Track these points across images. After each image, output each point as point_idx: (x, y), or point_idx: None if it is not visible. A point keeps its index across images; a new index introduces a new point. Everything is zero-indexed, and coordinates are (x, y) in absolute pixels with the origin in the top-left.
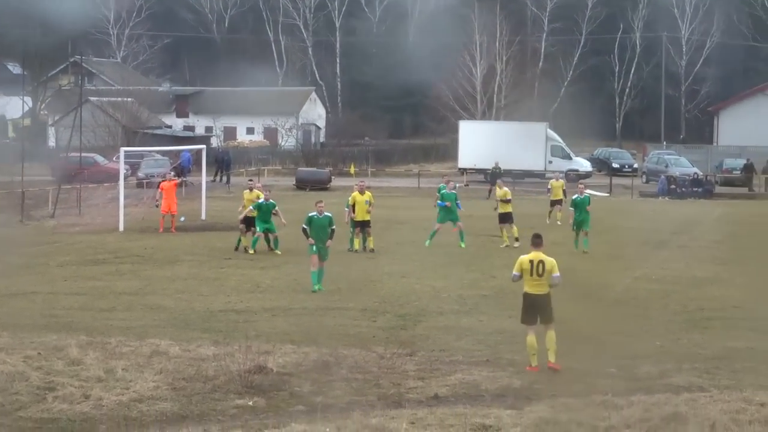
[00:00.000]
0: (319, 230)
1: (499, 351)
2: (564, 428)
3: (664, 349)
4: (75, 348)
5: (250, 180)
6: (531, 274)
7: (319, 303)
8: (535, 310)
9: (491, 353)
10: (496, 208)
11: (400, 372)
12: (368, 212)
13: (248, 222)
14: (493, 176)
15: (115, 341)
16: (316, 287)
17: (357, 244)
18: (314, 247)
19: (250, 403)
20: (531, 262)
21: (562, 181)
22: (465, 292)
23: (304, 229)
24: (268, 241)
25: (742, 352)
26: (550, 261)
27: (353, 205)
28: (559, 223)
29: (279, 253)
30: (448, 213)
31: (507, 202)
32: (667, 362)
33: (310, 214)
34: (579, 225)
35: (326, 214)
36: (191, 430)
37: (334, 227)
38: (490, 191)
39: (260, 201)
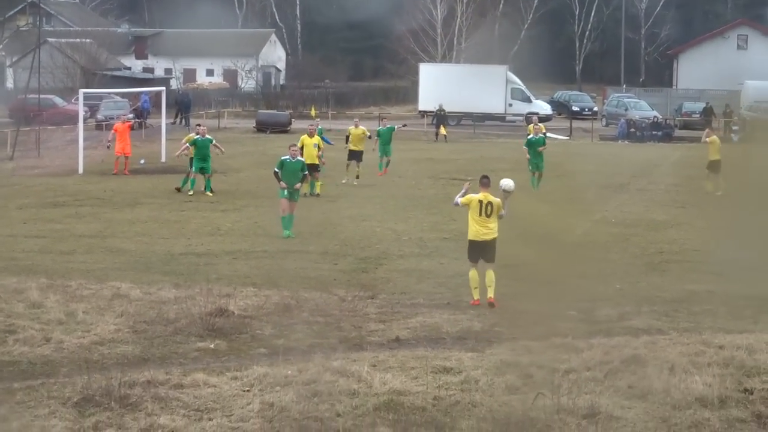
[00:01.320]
0: (291, 175)
1: (459, 294)
2: (524, 371)
3: (624, 292)
4: (35, 291)
5: (198, 125)
6: (480, 214)
7: (280, 246)
8: (479, 252)
9: (452, 296)
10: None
11: (361, 315)
12: (318, 156)
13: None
14: (438, 119)
15: (75, 284)
16: (287, 233)
17: (305, 188)
18: (285, 191)
19: (212, 346)
20: (480, 202)
21: (542, 125)
22: (426, 235)
23: (276, 173)
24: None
25: (701, 295)
26: (497, 201)
27: (302, 148)
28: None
29: (210, 194)
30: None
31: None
32: (626, 305)
33: (282, 158)
34: (536, 166)
35: (299, 158)
36: (153, 373)
37: (306, 172)
38: (436, 134)
39: (196, 137)
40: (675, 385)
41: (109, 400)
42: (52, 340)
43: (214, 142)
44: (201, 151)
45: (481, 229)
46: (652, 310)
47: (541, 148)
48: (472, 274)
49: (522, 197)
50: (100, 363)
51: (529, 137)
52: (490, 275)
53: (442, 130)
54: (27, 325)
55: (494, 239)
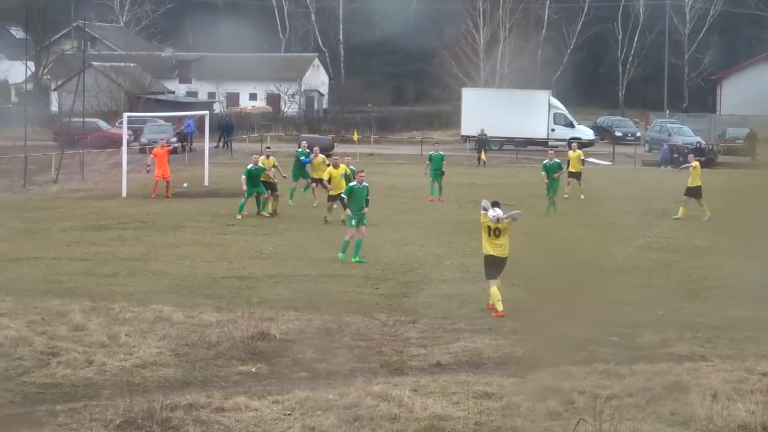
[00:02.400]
0: (360, 201)
1: (501, 319)
2: (566, 396)
3: (666, 318)
4: (78, 313)
5: (267, 147)
6: (489, 235)
7: (321, 270)
8: (497, 268)
9: (494, 321)
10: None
11: (402, 339)
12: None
13: (272, 186)
14: (479, 143)
15: (118, 307)
16: (355, 259)
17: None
18: (353, 220)
19: (253, 369)
20: (489, 227)
21: (579, 152)
22: (468, 260)
23: (342, 199)
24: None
25: (744, 321)
26: (504, 224)
27: (329, 179)
28: (582, 197)
29: (266, 214)
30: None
31: None
32: (668, 331)
33: (351, 185)
34: (548, 190)
35: (364, 184)
36: (194, 396)
37: (368, 197)
38: (478, 159)
39: (249, 167)
40: (718, 413)
41: (151, 423)
42: (94, 362)
43: (266, 169)
44: (253, 179)
45: (494, 245)
46: (695, 336)
47: (556, 174)
48: (494, 290)
49: (564, 222)
50: (142, 386)
51: (544, 162)
52: (498, 287)
53: (482, 156)
54: (70, 347)
55: (506, 258)
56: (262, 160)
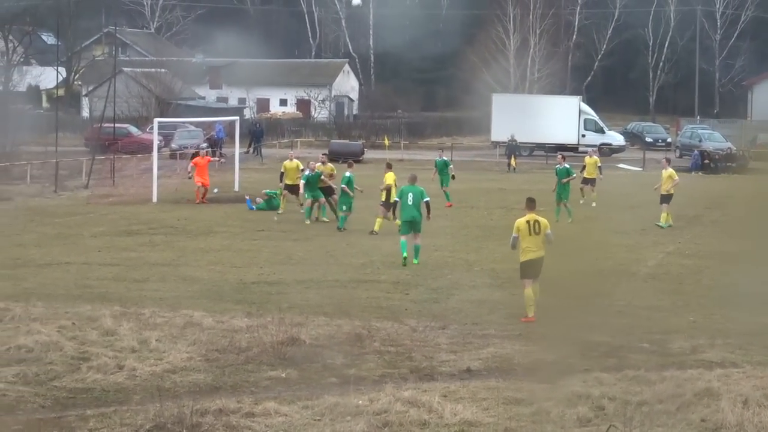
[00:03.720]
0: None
1: (531, 325)
2: (596, 403)
3: (697, 324)
4: (109, 318)
5: (324, 154)
6: (529, 233)
7: (351, 275)
8: (531, 270)
9: (524, 327)
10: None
11: (432, 345)
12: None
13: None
14: (509, 149)
15: (148, 312)
16: (415, 261)
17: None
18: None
19: (283, 374)
20: (528, 222)
21: (596, 158)
22: (498, 265)
23: (395, 203)
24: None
25: None
26: (544, 221)
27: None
28: (594, 204)
29: (326, 220)
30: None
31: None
32: (700, 337)
33: (402, 188)
34: (558, 196)
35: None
36: (224, 401)
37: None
38: (508, 164)
39: (306, 173)
40: (749, 419)
41: (181, 428)
42: (125, 367)
43: (323, 175)
44: (311, 185)
45: (531, 247)
46: (726, 342)
47: (564, 180)
48: (528, 292)
49: (594, 228)
50: (172, 391)
51: (555, 166)
52: (536, 289)
53: (512, 161)
54: (100, 352)
55: (542, 258)
56: (318, 167)
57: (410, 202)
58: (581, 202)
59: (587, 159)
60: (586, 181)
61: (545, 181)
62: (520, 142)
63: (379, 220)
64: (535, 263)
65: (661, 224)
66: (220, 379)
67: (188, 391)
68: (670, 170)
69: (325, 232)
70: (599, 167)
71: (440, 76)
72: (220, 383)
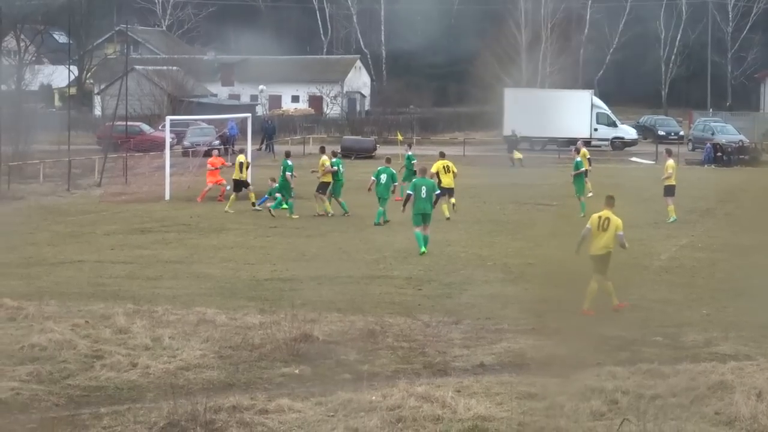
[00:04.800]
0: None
1: (544, 319)
2: (610, 396)
3: (711, 318)
4: (122, 316)
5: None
6: (598, 228)
7: (364, 271)
8: (597, 265)
9: (537, 322)
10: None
11: (445, 340)
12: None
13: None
14: (509, 144)
15: (161, 310)
16: (424, 249)
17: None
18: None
19: (297, 371)
20: (599, 217)
21: (585, 150)
22: (510, 260)
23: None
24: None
25: None
26: (615, 219)
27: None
28: (590, 194)
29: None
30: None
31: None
32: (713, 330)
33: (415, 180)
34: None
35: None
36: (238, 398)
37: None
38: (511, 159)
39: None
40: (762, 412)
41: (195, 425)
42: (138, 365)
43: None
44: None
45: (597, 243)
46: (740, 335)
47: (572, 173)
48: (593, 286)
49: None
50: (185, 388)
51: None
52: (607, 287)
53: (516, 155)
54: (114, 350)
55: (608, 253)
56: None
57: (423, 195)
58: (589, 194)
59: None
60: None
61: (557, 175)
62: (533, 137)
63: (445, 206)
64: (597, 258)
65: (672, 219)
66: (234, 376)
67: (202, 389)
68: (671, 161)
69: (338, 229)
70: (588, 159)
71: (452, 71)
72: (234, 380)
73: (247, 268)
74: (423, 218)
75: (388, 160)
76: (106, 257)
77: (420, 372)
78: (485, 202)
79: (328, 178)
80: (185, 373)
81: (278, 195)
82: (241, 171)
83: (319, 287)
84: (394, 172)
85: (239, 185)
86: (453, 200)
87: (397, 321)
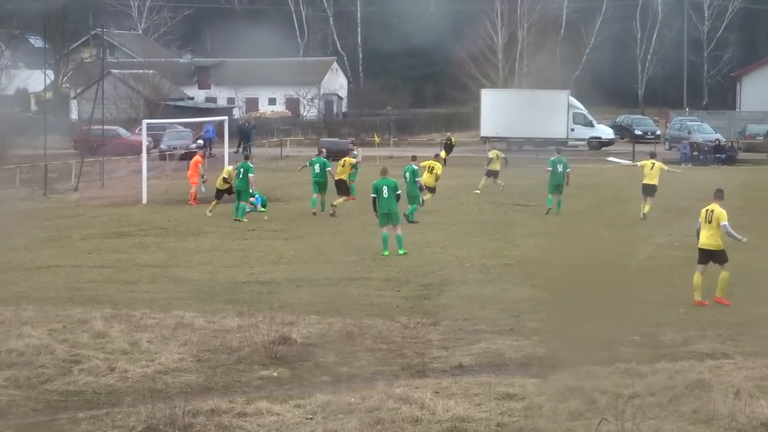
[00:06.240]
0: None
1: (522, 320)
2: (588, 396)
3: (688, 316)
4: (100, 321)
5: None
6: (704, 221)
7: (342, 273)
8: (707, 257)
9: (515, 322)
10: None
11: (424, 341)
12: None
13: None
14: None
15: (139, 314)
16: (402, 251)
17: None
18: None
19: (275, 374)
20: (706, 210)
21: (497, 151)
22: (488, 261)
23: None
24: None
25: (766, 318)
26: (719, 211)
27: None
28: (478, 192)
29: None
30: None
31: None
32: (690, 329)
33: (376, 182)
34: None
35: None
36: (216, 402)
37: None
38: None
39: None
40: (740, 410)
41: (174, 429)
42: (116, 369)
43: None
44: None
45: (704, 234)
46: (717, 334)
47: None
48: (696, 277)
49: (585, 222)
50: (164, 392)
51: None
52: (724, 276)
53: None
54: (91, 354)
55: (711, 246)
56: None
57: (386, 195)
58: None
59: (491, 153)
60: (490, 173)
61: (534, 176)
62: (510, 137)
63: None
64: (703, 251)
65: (645, 213)
66: (212, 379)
67: (180, 392)
68: (647, 161)
69: (315, 231)
70: (505, 158)
71: (429, 72)
72: (212, 383)
73: (225, 271)
74: (387, 218)
75: (385, 171)
76: (83, 261)
77: (398, 373)
78: (462, 203)
79: (343, 175)
80: (163, 377)
81: (252, 199)
82: (225, 182)
83: (298, 290)
84: (395, 182)
85: (221, 194)
86: (428, 196)
87: (375, 323)
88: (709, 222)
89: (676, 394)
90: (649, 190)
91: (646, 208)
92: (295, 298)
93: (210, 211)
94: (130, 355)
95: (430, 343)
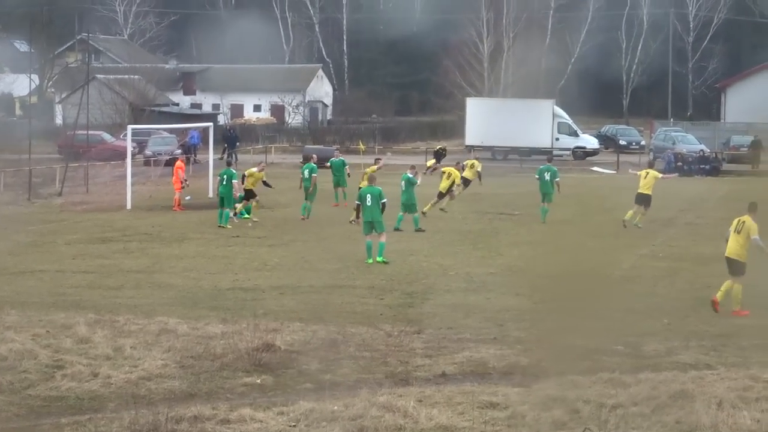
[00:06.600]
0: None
1: (506, 329)
2: (571, 406)
3: (672, 327)
4: (83, 326)
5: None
6: (734, 231)
7: (326, 281)
8: (728, 266)
9: (499, 331)
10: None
11: (407, 350)
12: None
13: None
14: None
15: (123, 319)
16: (380, 258)
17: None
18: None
19: (258, 381)
20: (738, 220)
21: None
22: (472, 269)
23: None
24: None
25: (749, 330)
26: (751, 223)
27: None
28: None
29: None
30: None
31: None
32: (674, 339)
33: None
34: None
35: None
36: (199, 408)
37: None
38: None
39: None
40: (723, 421)
41: None
42: (99, 375)
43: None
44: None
45: (731, 243)
46: (700, 344)
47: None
48: (736, 288)
49: (569, 231)
50: (147, 398)
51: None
52: (735, 289)
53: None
54: (75, 360)
55: (736, 258)
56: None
57: (369, 203)
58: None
59: (469, 161)
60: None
61: (519, 184)
62: (495, 146)
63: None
64: (729, 260)
65: (627, 219)
66: (195, 385)
67: (163, 398)
68: (641, 171)
69: (300, 238)
70: (479, 172)
71: (414, 80)
72: (195, 390)
73: (208, 277)
74: (371, 226)
75: (372, 179)
76: (67, 267)
77: (382, 381)
78: (446, 212)
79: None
80: (147, 383)
81: (237, 205)
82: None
83: (281, 297)
84: (381, 190)
85: (249, 195)
86: (444, 203)
87: (359, 330)
88: (739, 232)
89: (659, 405)
90: (641, 200)
91: (629, 215)
92: (278, 305)
93: (255, 215)
94: (113, 361)
95: (413, 352)
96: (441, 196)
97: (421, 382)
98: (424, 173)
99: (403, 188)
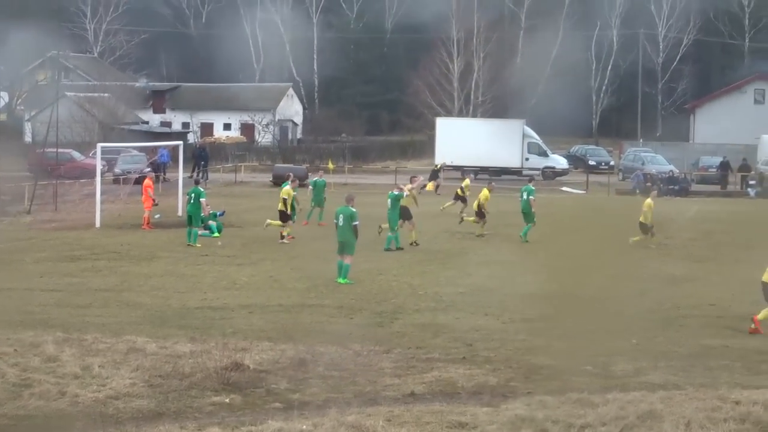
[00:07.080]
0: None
1: (475, 348)
2: (540, 426)
3: (640, 347)
4: (51, 345)
5: (414, 177)
6: None
7: (295, 300)
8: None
9: (468, 351)
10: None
11: (376, 369)
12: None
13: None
14: (433, 176)
15: (91, 338)
16: (341, 280)
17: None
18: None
19: (227, 400)
20: None
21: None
22: (441, 289)
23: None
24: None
25: (718, 350)
26: None
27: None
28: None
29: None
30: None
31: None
32: (642, 360)
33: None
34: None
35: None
36: (168, 427)
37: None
38: (436, 187)
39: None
40: None
41: None
42: (67, 394)
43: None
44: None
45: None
46: (669, 365)
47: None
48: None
49: (538, 251)
50: (115, 417)
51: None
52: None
53: (429, 186)
54: (43, 378)
55: None
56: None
57: (340, 224)
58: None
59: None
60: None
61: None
62: (464, 166)
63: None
64: (763, 285)
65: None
66: (164, 405)
67: (131, 418)
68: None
69: (269, 257)
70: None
71: (384, 100)
72: (164, 409)
73: (177, 296)
74: (340, 246)
75: (350, 199)
76: (35, 285)
77: (351, 401)
78: (417, 232)
79: (408, 202)
80: (115, 402)
81: (212, 222)
82: (284, 203)
83: (250, 316)
84: (354, 211)
85: (286, 215)
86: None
87: (328, 350)
88: None
89: (627, 425)
90: (640, 227)
91: (635, 239)
92: (247, 324)
93: (286, 235)
94: (81, 380)
95: (382, 371)
96: (480, 215)
97: (389, 402)
98: (419, 192)
99: (389, 206)
